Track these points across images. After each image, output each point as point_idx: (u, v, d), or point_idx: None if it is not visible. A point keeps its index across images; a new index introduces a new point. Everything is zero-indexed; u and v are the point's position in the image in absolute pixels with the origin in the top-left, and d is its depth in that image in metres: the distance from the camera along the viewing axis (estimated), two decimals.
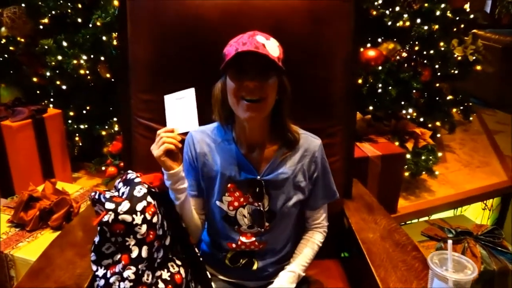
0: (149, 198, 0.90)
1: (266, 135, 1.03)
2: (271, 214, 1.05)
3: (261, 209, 1.04)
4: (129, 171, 0.99)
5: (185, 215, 1.03)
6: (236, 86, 0.92)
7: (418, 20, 2.27)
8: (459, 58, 2.59)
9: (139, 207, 0.87)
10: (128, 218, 0.85)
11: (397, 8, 2.23)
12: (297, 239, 1.14)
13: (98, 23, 2.17)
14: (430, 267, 0.87)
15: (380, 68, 2.22)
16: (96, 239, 0.88)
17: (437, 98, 2.68)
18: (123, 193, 0.92)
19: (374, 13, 2.24)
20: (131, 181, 0.94)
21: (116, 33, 2.15)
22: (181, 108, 0.97)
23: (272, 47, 0.91)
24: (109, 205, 0.85)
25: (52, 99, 2.54)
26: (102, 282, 0.88)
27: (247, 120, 0.96)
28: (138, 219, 0.86)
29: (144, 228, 0.86)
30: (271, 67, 0.91)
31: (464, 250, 1.79)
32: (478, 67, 2.71)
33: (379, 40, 2.37)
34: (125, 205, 0.86)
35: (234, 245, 1.08)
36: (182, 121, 0.97)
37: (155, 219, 0.89)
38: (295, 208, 1.07)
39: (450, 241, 0.90)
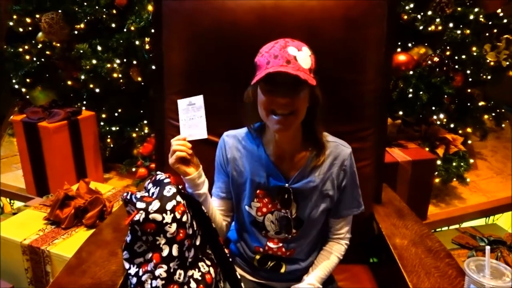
0: (178, 198, 0.91)
1: (296, 144, 1.03)
2: (298, 222, 1.05)
3: (289, 216, 1.04)
4: (158, 172, 1.00)
5: None
6: (267, 100, 0.92)
7: (451, 25, 2.23)
8: (492, 63, 2.53)
9: (169, 206, 0.88)
10: (158, 217, 0.86)
11: (429, 12, 2.19)
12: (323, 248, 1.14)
13: (132, 28, 2.22)
14: (467, 273, 0.85)
15: (411, 72, 2.19)
16: (128, 238, 0.90)
17: (468, 104, 2.62)
18: (153, 193, 0.94)
19: (405, 17, 2.22)
20: (161, 182, 0.95)
21: (148, 38, 2.20)
22: (191, 115, 0.98)
23: (304, 59, 0.90)
24: (140, 205, 0.87)
25: (85, 102, 2.61)
26: (134, 280, 0.90)
27: (277, 133, 0.97)
28: (168, 218, 0.87)
29: (174, 227, 0.88)
30: (303, 82, 0.89)
31: (497, 260, 1.74)
32: None
33: (409, 45, 2.34)
34: (155, 205, 0.87)
35: (261, 249, 1.09)
36: (192, 129, 0.98)
37: (184, 218, 0.90)
38: (323, 216, 1.07)
39: (488, 247, 0.88)
